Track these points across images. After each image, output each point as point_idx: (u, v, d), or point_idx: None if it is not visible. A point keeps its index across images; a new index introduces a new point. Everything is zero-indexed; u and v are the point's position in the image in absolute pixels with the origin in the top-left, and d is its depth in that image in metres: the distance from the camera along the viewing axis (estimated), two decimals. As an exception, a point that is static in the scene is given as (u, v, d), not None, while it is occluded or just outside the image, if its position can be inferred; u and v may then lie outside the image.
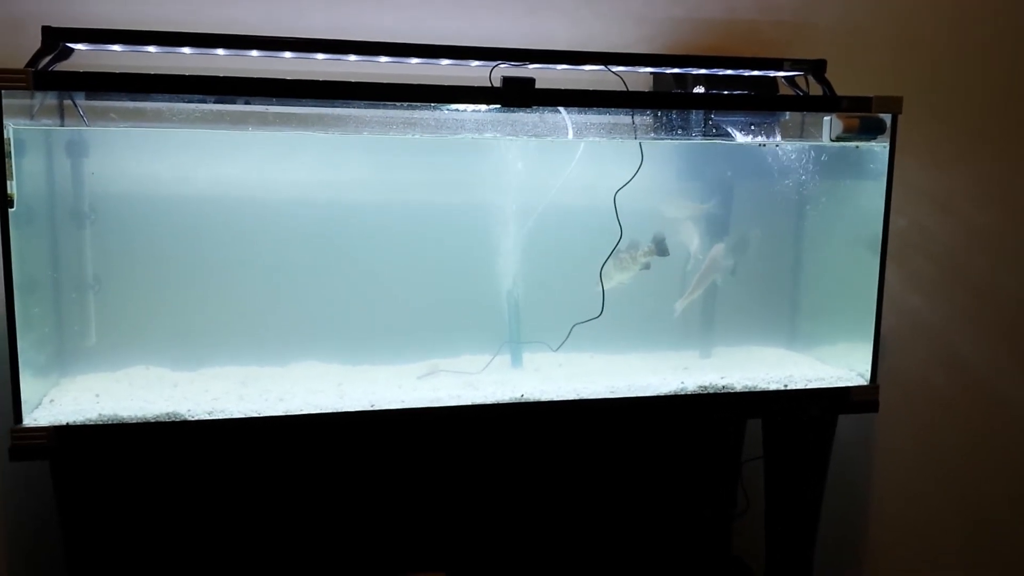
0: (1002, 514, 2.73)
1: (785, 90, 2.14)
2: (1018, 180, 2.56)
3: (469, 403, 1.86)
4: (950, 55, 2.45)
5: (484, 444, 2.15)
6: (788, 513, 2.18)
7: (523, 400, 1.89)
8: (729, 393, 1.98)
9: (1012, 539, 2.75)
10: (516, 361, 2.09)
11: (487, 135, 1.95)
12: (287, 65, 1.93)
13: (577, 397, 1.91)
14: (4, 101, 1.57)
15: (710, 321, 2.20)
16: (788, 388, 2.01)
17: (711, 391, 1.97)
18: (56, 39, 1.70)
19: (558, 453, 2.20)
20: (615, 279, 2.02)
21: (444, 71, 1.97)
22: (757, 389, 2.00)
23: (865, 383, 2.04)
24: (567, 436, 2.19)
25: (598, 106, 1.94)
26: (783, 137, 2.09)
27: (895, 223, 2.27)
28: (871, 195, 2.00)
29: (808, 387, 2.02)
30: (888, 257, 2.00)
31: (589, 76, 2.04)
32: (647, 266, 2.02)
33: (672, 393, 1.95)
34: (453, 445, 2.13)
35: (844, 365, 2.11)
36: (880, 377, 2.05)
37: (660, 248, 2.02)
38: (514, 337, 2.08)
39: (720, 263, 2.09)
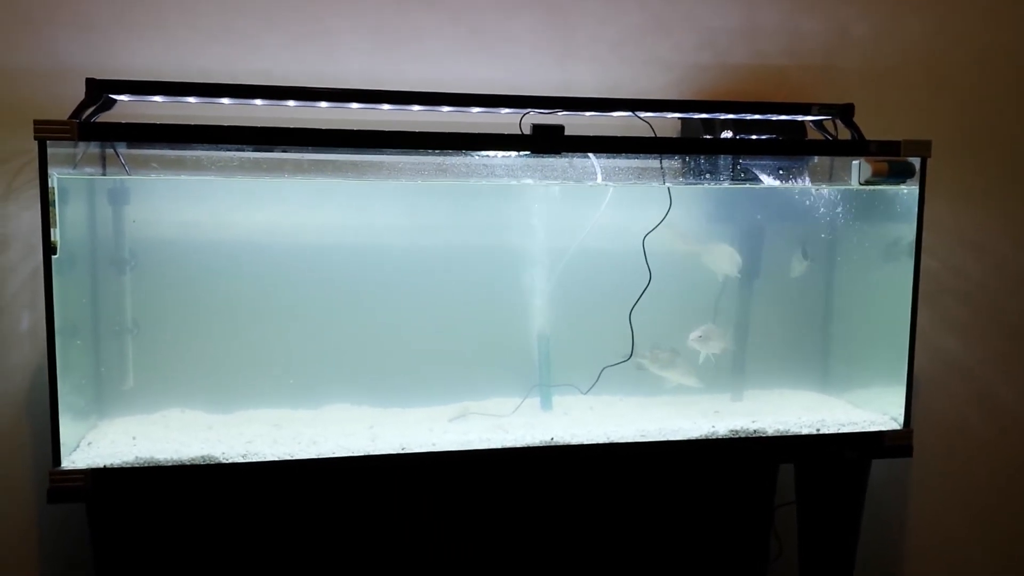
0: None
1: (813, 134, 2.16)
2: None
3: (499, 446, 1.87)
4: (978, 96, 2.45)
5: (514, 487, 2.15)
6: (822, 559, 2.16)
7: (553, 443, 1.89)
8: (761, 437, 1.97)
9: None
10: (546, 404, 2.09)
11: (517, 180, 1.97)
12: (322, 113, 1.97)
13: (607, 441, 1.91)
14: (49, 150, 1.61)
15: (741, 364, 2.19)
16: (820, 432, 1.99)
17: (742, 435, 1.96)
18: (99, 90, 1.75)
19: (588, 497, 2.18)
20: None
21: (475, 118, 2.00)
22: (789, 433, 1.98)
23: (899, 427, 2.02)
24: (597, 480, 2.18)
25: (626, 152, 1.96)
26: (812, 181, 2.09)
27: (927, 265, 2.26)
28: (902, 237, 2.00)
29: (841, 431, 2.00)
30: (920, 299, 1.99)
31: (618, 121, 2.06)
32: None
33: (703, 437, 1.94)
34: (483, 488, 2.13)
35: (877, 409, 2.09)
36: (914, 419, 2.03)
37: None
38: (544, 380, 2.09)
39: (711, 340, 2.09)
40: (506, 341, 2.10)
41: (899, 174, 1.96)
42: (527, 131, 1.83)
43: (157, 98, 1.81)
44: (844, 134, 2.07)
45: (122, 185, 1.86)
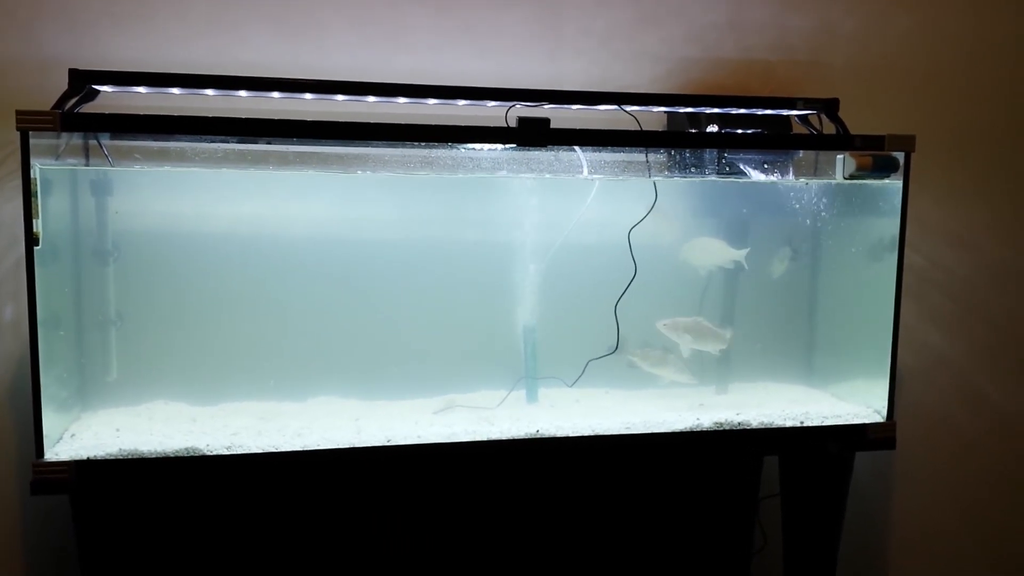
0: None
1: (799, 129, 2.16)
2: (1035, 215, 2.56)
3: (485, 439, 1.87)
4: (964, 93, 2.46)
5: (500, 479, 2.15)
6: (806, 551, 2.17)
7: (539, 436, 1.89)
8: (745, 430, 1.97)
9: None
10: (532, 396, 2.10)
11: (503, 173, 1.97)
12: (308, 105, 1.97)
13: (593, 433, 1.91)
14: (32, 141, 1.60)
15: (726, 357, 2.20)
16: (804, 425, 2.00)
17: (727, 428, 1.97)
18: (83, 81, 1.74)
19: (574, 489, 2.19)
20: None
21: (461, 111, 2.00)
22: (773, 426, 1.99)
23: (882, 420, 2.03)
24: (583, 472, 2.18)
25: (612, 145, 1.96)
26: (796, 176, 2.10)
27: (912, 260, 2.27)
28: (886, 232, 2.01)
29: (825, 424, 2.01)
30: (905, 294, 2.00)
31: (604, 115, 2.07)
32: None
33: (688, 429, 1.95)
34: (469, 480, 2.13)
35: (861, 402, 2.10)
36: (898, 413, 2.05)
37: None
38: (530, 372, 2.09)
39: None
40: (492, 334, 2.10)
41: (883, 168, 1.97)
42: (513, 124, 1.83)
43: (140, 89, 1.81)
44: (829, 129, 2.08)
45: (105, 176, 1.86)
